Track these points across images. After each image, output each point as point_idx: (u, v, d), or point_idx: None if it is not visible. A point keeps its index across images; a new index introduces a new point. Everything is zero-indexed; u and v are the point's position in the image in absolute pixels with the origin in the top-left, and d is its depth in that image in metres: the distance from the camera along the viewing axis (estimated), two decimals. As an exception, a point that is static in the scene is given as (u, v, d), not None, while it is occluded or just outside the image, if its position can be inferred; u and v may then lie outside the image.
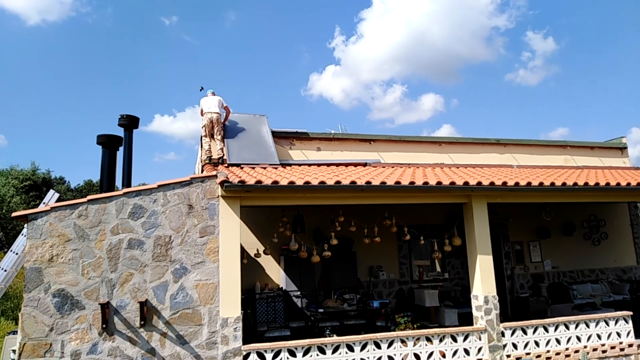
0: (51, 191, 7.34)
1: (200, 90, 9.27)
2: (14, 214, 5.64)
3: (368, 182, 6.59)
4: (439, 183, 6.91)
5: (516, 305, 10.31)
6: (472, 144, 10.90)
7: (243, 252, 7.52)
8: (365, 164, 9.52)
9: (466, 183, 7.04)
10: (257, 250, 8.27)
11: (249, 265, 8.42)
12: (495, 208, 8.37)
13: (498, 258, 10.40)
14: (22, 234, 7.01)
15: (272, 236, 8.11)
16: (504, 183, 7.20)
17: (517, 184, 7.28)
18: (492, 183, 7.14)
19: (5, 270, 7.10)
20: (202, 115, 8.80)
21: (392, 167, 9.34)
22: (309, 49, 60.78)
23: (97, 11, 53.28)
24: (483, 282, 7.12)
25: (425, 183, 6.85)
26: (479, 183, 7.08)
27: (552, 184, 7.45)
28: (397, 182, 6.72)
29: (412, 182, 6.80)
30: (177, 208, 6.15)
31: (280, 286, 8.93)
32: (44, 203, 7.20)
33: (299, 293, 8.78)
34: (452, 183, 7.00)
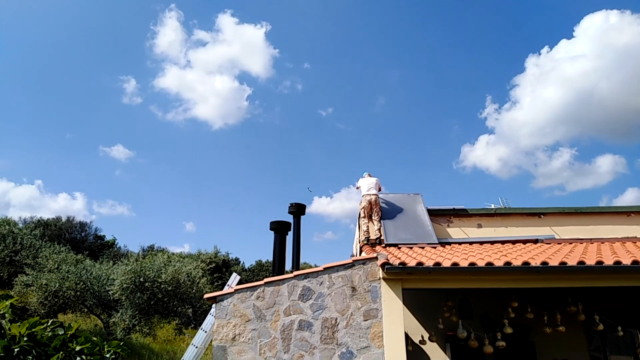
0: (234, 274, 8.28)
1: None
2: (206, 296, 6.46)
3: (544, 263, 5.93)
4: (635, 262, 5.86)
5: None
6: (674, 213, 9.12)
7: (407, 338, 7.24)
8: (536, 241, 8.67)
9: (673, 261, 5.82)
10: (422, 336, 7.88)
11: (414, 353, 8.01)
12: None
13: None
14: (211, 314, 7.92)
15: (436, 321, 7.68)
16: None
17: None
18: None
19: (197, 347, 8.01)
20: (361, 194, 9.22)
21: (570, 244, 8.28)
22: (459, 121, 60.14)
23: (267, 112, 62.50)
24: None
25: (617, 262, 5.88)
26: (693, 261, 5.79)
27: None
28: (581, 262, 5.90)
29: (599, 262, 5.90)
30: (341, 290, 6.34)
31: (448, 377, 8.22)
32: (228, 285, 8.11)
33: (470, 387, 7.94)
34: (654, 262, 5.86)
